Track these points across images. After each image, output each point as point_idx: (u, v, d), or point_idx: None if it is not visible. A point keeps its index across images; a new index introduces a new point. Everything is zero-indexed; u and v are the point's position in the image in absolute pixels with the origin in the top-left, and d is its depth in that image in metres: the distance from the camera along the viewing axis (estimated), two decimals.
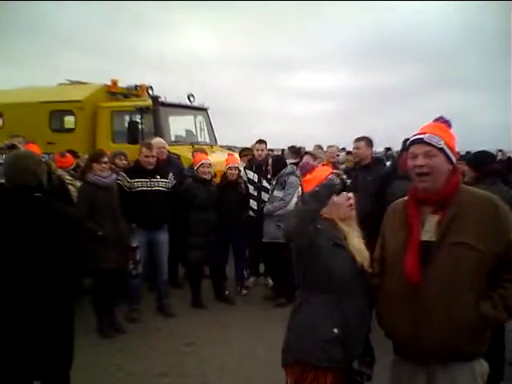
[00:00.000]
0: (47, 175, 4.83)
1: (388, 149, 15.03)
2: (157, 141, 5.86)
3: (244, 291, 5.91)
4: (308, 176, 2.22)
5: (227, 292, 5.69)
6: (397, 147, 15.35)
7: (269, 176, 5.76)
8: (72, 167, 5.85)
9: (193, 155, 6.17)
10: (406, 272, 1.87)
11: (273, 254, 5.45)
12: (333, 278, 2.05)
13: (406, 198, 2.06)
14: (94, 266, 4.67)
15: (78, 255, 2.70)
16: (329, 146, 7.82)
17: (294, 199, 5.22)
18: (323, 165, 3.56)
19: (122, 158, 5.66)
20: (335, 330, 2.01)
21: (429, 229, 1.90)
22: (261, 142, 6.15)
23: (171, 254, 5.38)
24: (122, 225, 4.63)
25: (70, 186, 5.26)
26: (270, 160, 5.78)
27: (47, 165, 4.91)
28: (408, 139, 2.02)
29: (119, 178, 4.89)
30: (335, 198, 2.15)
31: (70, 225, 2.60)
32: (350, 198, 2.20)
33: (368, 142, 5.05)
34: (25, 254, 2.36)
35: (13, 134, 6.47)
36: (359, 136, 5.08)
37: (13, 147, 6.13)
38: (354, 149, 5.17)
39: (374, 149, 5.54)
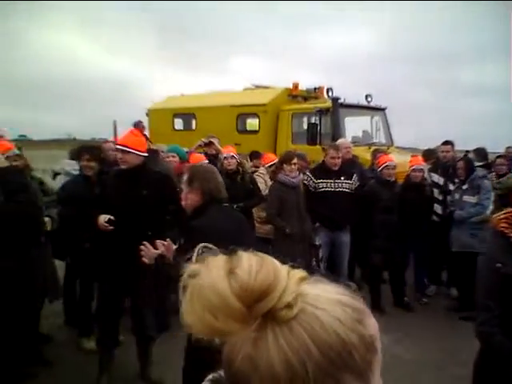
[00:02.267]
0: (241, 174, 5.32)
1: None
2: (342, 141, 5.97)
3: (424, 299, 5.64)
4: None
5: (406, 298, 5.50)
6: None
7: (456, 180, 5.40)
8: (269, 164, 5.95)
9: (375, 156, 6.09)
10: None
11: (462, 264, 5.07)
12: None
13: None
14: (279, 261, 5.00)
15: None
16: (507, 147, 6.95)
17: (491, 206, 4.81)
18: None
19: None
20: None
21: None
22: (447, 143, 5.87)
23: (350, 255, 5.41)
24: (306, 223, 4.83)
25: (260, 179, 5.59)
26: (462, 162, 5.39)
27: (242, 165, 5.38)
28: None
29: (305, 178, 5.11)
30: None
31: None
32: None
33: None
34: None
35: (209, 134, 7.18)
36: None
37: (209, 144, 6.82)
38: None
39: None
